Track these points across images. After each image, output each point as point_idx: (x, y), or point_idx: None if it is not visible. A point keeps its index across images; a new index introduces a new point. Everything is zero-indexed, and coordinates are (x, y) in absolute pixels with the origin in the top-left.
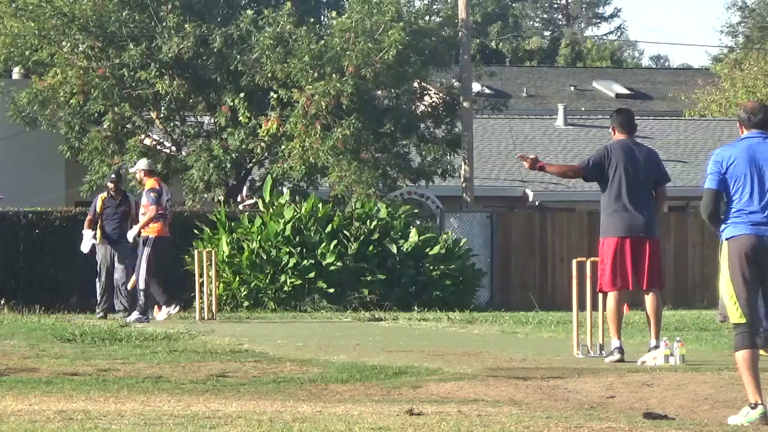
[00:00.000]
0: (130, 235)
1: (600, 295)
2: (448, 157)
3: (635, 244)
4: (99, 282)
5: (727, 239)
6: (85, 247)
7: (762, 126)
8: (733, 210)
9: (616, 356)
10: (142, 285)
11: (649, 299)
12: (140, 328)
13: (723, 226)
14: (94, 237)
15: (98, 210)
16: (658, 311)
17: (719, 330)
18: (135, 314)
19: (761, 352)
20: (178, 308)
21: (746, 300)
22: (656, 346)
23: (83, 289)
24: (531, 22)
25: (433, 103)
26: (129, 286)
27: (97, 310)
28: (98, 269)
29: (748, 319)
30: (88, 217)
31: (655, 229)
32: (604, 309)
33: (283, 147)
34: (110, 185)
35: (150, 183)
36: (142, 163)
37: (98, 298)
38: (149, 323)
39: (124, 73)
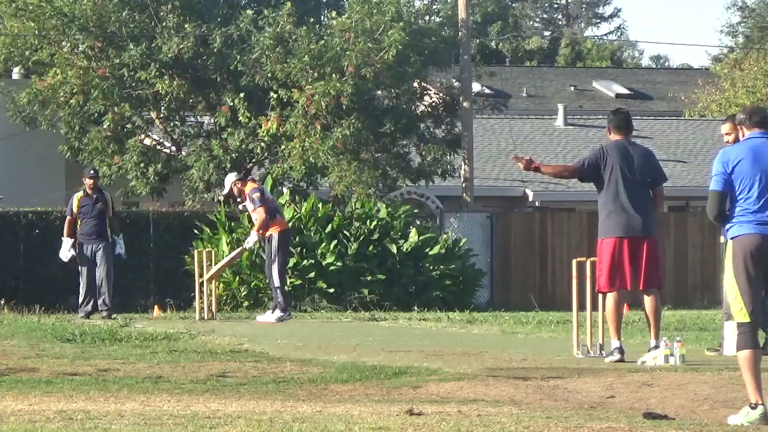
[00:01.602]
0: (249, 243)
1: (600, 295)
2: (448, 157)
3: (633, 244)
4: (82, 281)
5: (732, 239)
6: (64, 256)
7: (763, 125)
8: (738, 209)
9: (616, 356)
10: (277, 283)
11: (647, 299)
12: (141, 328)
13: (728, 225)
14: (74, 246)
15: (75, 210)
16: (657, 311)
17: (719, 330)
18: (278, 312)
19: None
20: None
21: (750, 299)
22: (656, 346)
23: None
24: (531, 22)
25: (433, 103)
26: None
27: (79, 311)
28: (79, 269)
29: (752, 318)
30: (67, 218)
31: (653, 229)
32: (604, 309)
33: (283, 147)
34: (88, 182)
35: (249, 187)
36: (232, 177)
37: (80, 298)
38: (291, 317)
39: (124, 73)
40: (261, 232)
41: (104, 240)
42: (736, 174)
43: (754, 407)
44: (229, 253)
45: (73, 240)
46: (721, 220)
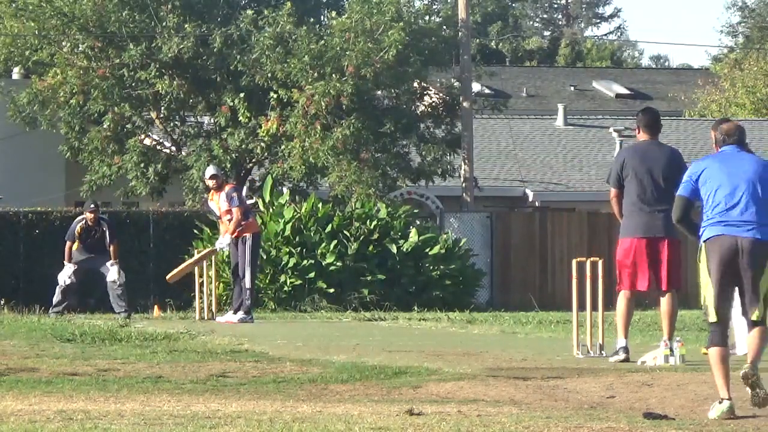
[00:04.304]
0: (222, 244)
1: (600, 295)
2: (448, 157)
3: (652, 244)
4: (61, 285)
5: (703, 242)
6: (62, 280)
7: (738, 143)
8: (707, 214)
9: (621, 356)
10: (249, 284)
11: (664, 300)
12: (141, 328)
13: (701, 229)
14: (75, 273)
15: (75, 237)
16: (672, 312)
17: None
18: (240, 314)
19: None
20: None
21: (720, 300)
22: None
23: (83, 289)
24: (531, 22)
25: (433, 103)
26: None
27: (51, 312)
28: (64, 272)
29: (721, 318)
30: (68, 244)
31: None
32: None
33: (283, 147)
34: (89, 215)
35: (228, 186)
36: (212, 169)
37: (55, 299)
38: (253, 322)
39: (124, 73)
40: (235, 233)
41: (103, 252)
42: (702, 180)
43: (721, 402)
44: (199, 254)
45: (75, 267)
46: (683, 224)
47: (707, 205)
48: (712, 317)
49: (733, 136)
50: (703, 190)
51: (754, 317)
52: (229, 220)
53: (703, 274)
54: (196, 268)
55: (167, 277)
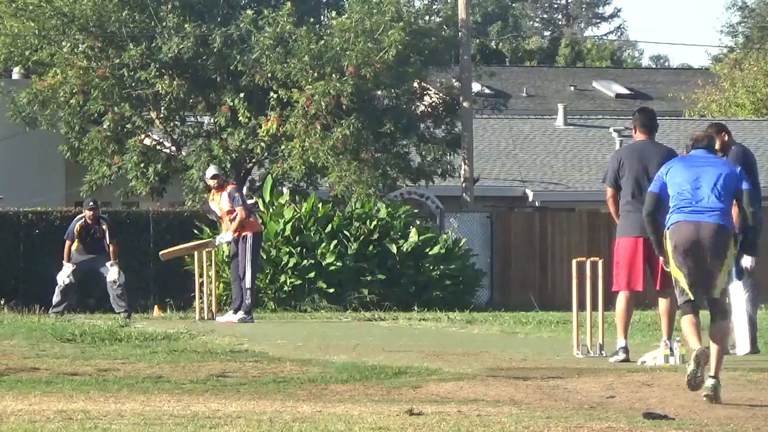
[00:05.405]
0: (222, 240)
1: (600, 295)
2: (448, 157)
3: (649, 244)
4: (60, 285)
5: (667, 229)
6: (61, 280)
7: (706, 149)
8: (673, 201)
9: (621, 356)
10: (249, 284)
11: (661, 300)
12: (141, 328)
13: (667, 216)
14: (74, 273)
15: (75, 235)
16: (671, 313)
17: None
18: (240, 314)
19: None
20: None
21: (692, 279)
22: (669, 347)
23: (83, 289)
24: (531, 22)
25: (433, 103)
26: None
27: (51, 312)
28: (63, 272)
29: (695, 295)
30: (67, 243)
31: None
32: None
33: (283, 147)
34: (88, 213)
35: (230, 186)
36: (213, 169)
37: (55, 299)
38: (253, 322)
39: (124, 73)
40: (237, 232)
41: (102, 253)
42: (670, 176)
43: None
44: (197, 241)
45: (74, 267)
46: (650, 221)
47: (673, 196)
48: (689, 296)
49: (701, 142)
50: (670, 185)
51: (714, 295)
52: (232, 220)
53: (671, 259)
54: (196, 269)
55: (161, 253)
